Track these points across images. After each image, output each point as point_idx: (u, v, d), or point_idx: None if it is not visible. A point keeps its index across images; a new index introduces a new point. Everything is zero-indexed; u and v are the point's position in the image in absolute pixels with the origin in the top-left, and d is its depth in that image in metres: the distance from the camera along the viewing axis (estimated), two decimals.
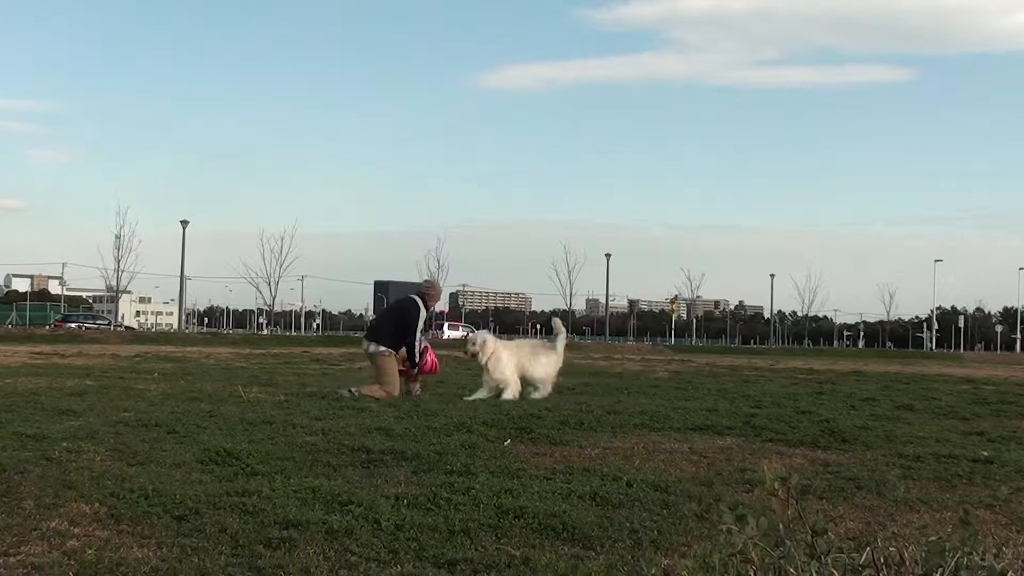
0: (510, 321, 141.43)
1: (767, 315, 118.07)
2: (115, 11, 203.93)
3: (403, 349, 11.37)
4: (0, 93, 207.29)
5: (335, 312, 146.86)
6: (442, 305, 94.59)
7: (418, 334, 11.42)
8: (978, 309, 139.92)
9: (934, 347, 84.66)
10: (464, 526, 4.49)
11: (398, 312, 11.72)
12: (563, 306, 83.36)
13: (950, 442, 8.10)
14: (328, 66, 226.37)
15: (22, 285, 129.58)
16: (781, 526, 2.60)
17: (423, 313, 11.45)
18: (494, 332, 12.47)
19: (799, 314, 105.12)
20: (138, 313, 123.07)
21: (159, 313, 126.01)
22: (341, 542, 4.20)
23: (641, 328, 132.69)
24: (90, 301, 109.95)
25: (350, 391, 10.71)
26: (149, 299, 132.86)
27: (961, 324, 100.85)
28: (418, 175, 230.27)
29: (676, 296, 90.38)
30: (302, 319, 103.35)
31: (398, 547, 4.16)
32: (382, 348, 11.26)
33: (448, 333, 77.18)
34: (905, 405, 12.06)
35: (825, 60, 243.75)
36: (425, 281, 11.77)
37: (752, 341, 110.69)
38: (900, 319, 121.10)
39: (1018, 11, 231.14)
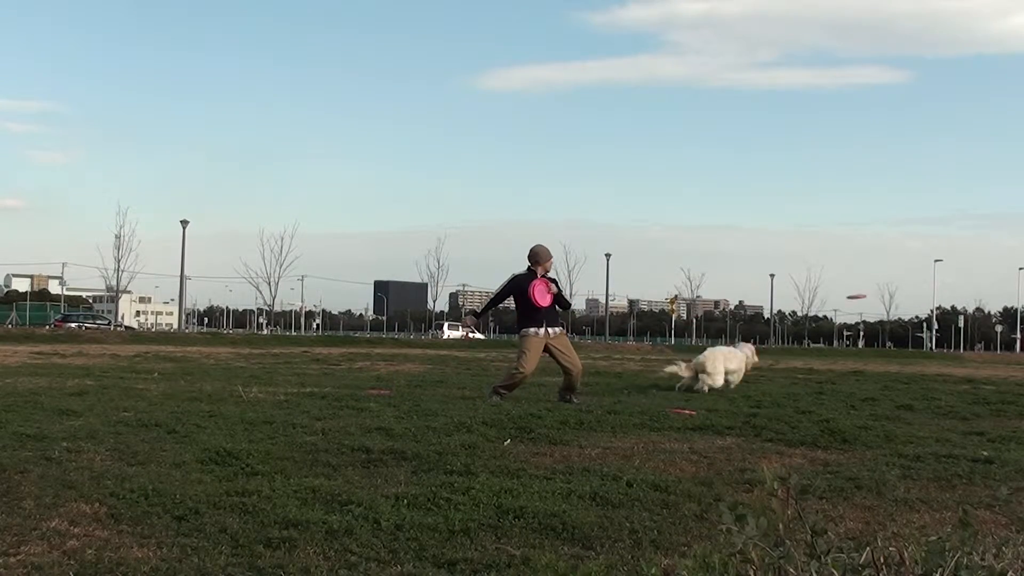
0: (510, 321, 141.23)
1: (767, 315, 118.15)
2: (115, 11, 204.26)
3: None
4: (0, 93, 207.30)
5: (335, 312, 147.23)
6: (442, 304, 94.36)
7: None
8: (978, 309, 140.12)
9: (934, 347, 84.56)
10: (464, 526, 4.49)
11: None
12: None
13: (950, 442, 8.09)
14: (328, 67, 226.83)
15: (22, 285, 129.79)
16: (781, 526, 2.59)
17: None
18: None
19: (799, 314, 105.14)
20: (138, 313, 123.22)
21: (159, 313, 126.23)
22: (341, 542, 4.20)
23: (641, 328, 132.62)
24: (90, 301, 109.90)
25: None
26: (149, 299, 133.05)
27: (961, 324, 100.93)
28: (418, 175, 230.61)
29: (676, 296, 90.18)
30: (302, 319, 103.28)
31: (398, 547, 4.16)
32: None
33: (448, 333, 77.09)
34: (905, 405, 12.06)
35: (822, 62, 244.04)
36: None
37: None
38: (900, 319, 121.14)
39: (1012, 14, 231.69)
